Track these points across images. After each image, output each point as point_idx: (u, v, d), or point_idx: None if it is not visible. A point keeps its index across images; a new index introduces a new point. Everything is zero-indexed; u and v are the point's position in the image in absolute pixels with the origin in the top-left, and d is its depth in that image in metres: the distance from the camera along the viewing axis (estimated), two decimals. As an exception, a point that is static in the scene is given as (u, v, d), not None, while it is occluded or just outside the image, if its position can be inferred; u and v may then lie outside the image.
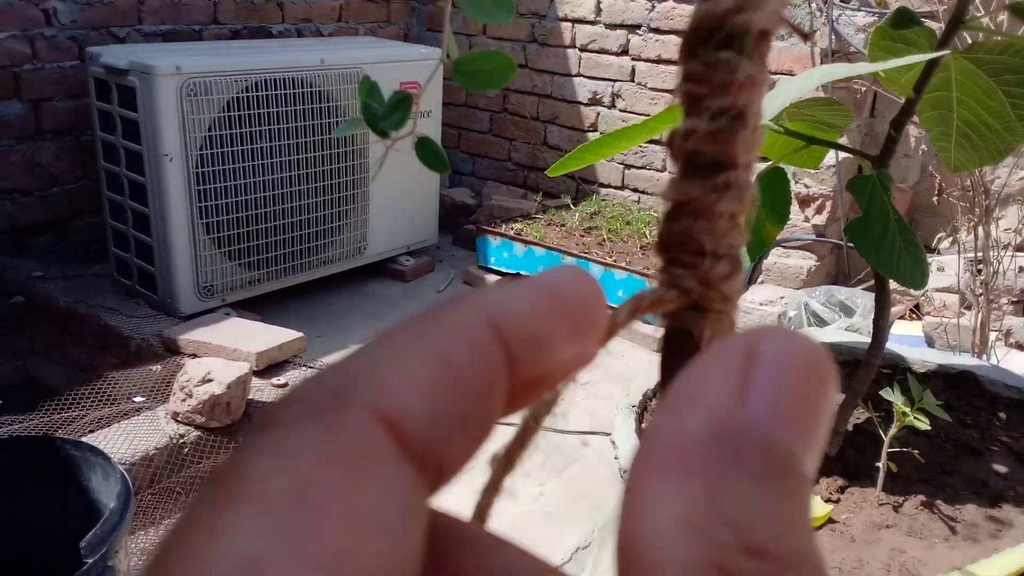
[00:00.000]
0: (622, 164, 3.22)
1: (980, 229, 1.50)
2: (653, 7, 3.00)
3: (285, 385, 1.99)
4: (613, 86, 3.16)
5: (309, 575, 0.11)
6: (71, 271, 2.52)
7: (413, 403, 0.13)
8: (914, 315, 2.36)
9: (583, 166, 0.88)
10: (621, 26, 3.09)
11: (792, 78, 0.78)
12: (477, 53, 0.47)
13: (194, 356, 2.05)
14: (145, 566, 0.13)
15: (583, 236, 2.82)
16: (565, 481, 1.90)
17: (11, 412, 1.74)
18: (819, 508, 0.85)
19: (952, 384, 1.13)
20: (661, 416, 0.13)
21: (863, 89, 2.50)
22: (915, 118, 0.87)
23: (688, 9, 2.91)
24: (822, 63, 2.55)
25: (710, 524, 0.12)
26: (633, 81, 3.11)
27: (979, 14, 1.44)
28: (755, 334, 0.14)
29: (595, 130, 3.24)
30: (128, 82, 2.16)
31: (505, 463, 0.17)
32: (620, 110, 3.17)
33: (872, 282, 1.08)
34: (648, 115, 3.38)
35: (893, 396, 0.82)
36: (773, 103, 0.72)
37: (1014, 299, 2.13)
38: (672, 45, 2.99)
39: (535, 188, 3.38)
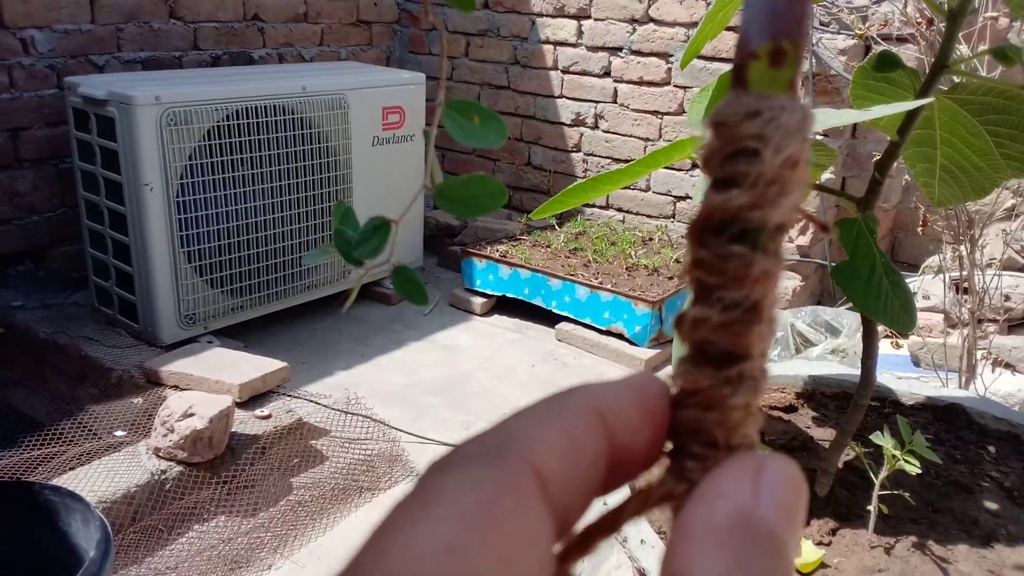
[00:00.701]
0: (606, 184, 3.22)
1: (965, 255, 1.51)
2: (634, 30, 3.01)
3: (269, 417, 1.96)
4: (596, 107, 3.17)
5: (491, 562, 0.16)
6: (51, 300, 2.49)
7: (553, 461, 0.18)
8: (897, 344, 2.36)
9: (566, 209, 0.87)
10: (603, 48, 3.10)
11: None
12: (464, 178, 0.44)
13: (176, 388, 2.02)
14: (360, 546, 0.17)
15: (568, 257, 2.82)
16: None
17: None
18: (811, 553, 0.84)
19: (940, 417, 1.13)
20: (698, 504, 0.18)
21: (844, 110, 2.51)
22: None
23: (668, 32, 2.92)
24: (802, 87, 2.57)
25: None
26: (616, 102, 3.12)
27: (961, 46, 1.45)
28: (761, 455, 0.19)
29: (579, 151, 3.25)
30: (107, 112, 2.14)
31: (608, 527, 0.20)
32: (603, 131, 3.17)
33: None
34: (631, 136, 3.36)
35: (883, 440, 0.82)
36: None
37: (998, 317, 2.13)
38: (653, 67, 2.99)
39: (519, 208, 3.38)
